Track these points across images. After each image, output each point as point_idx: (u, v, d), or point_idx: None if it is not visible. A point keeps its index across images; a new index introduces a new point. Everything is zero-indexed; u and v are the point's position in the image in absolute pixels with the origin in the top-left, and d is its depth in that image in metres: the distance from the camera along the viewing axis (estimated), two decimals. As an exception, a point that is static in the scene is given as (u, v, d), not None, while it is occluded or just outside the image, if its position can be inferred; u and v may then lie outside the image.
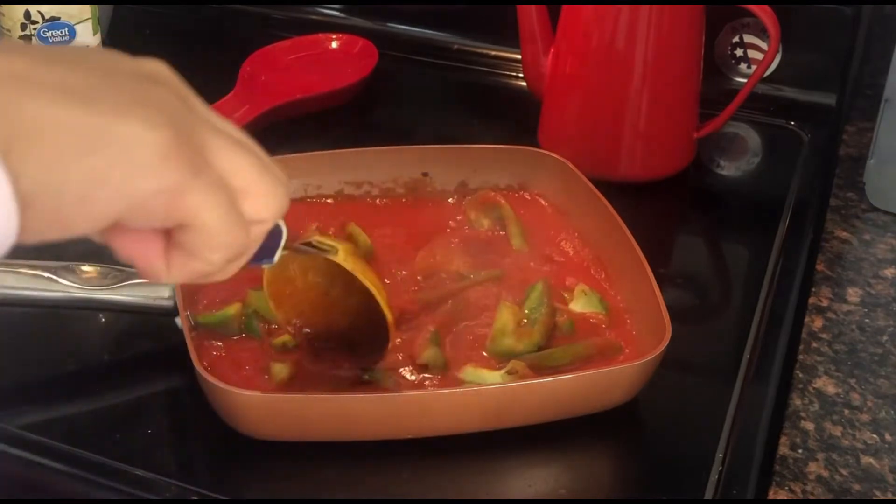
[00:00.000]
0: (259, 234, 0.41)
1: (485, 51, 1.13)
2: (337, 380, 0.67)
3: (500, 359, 0.69)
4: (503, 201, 0.83)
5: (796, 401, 0.67)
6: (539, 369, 0.68)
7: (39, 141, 0.32)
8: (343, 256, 0.63)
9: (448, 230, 0.82)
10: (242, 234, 0.39)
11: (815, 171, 0.96)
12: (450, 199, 0.86)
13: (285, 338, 0.69)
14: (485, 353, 0.70)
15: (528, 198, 0.86)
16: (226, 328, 0.70)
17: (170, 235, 0.38)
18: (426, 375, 0.68)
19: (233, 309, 0.71)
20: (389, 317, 0.65)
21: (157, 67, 0.38)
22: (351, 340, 0.69)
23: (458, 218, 0.84)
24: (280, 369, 0.67)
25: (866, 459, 0.62)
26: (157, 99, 0.36)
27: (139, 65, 0.38)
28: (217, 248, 0.38)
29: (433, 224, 0.82)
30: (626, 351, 0.71)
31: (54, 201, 0.33)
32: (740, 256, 0.90)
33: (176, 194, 0.35)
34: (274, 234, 0.46)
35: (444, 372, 0.68)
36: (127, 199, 0.34)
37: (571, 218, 0.83)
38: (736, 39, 1.03)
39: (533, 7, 0.92)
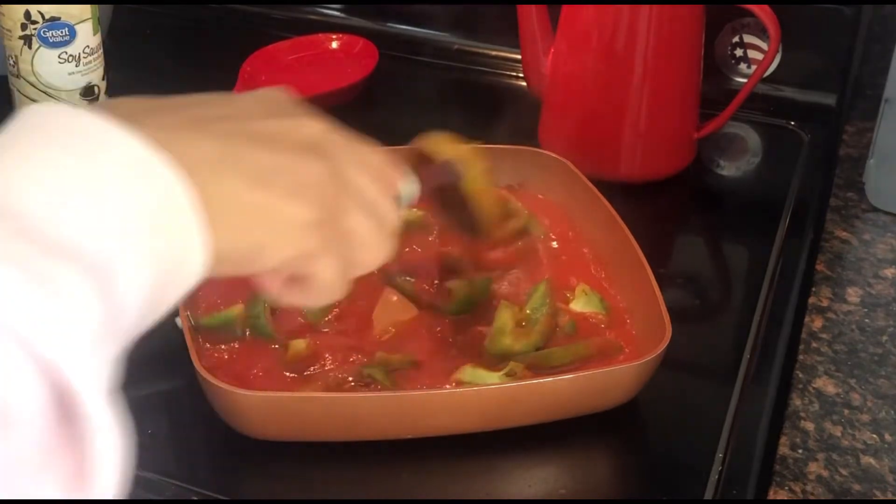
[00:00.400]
0: (359, 274, 0.51)
1: (485, 51, 1.13)
2: (337, 380, 0.67)
3: (497, 359, 0.69)
4: (510, 195, 0.83)
5: (796, 401, 0.67)
6: (538, 369, 0.68)
7: (230, 215, 0.42)
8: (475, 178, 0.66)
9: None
10: (346, 288, 0.49)
11: (815, 171, 0.96)
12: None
13: (300, 346, 0.69)
14: (480, 353, 0.70)
15: (528, 198, 0.86)
16: (229, 330, 0.70)
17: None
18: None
19: (236, 310, 0.71)
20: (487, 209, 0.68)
21: (314, 132, 0.47)
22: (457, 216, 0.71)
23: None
24: (297, 343, 0.68)
25: (866, 459, 0.63)
26: (315, 180, 0.45)
27: (301, 132, 0.46)
28: (324, 298, 0.49)
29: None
30: (627, 351, 0.71)
31: (228, 259, 0.42)
32: (740, 256, 0.90)
33: (310, 258, 0.46)
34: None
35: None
36: (277, 260, 0.45)
37: (571, 218, 0.83)
38: (736, 39, 1.03)
39: (533, 7, 0.92)
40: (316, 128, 0.48)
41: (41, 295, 0.32)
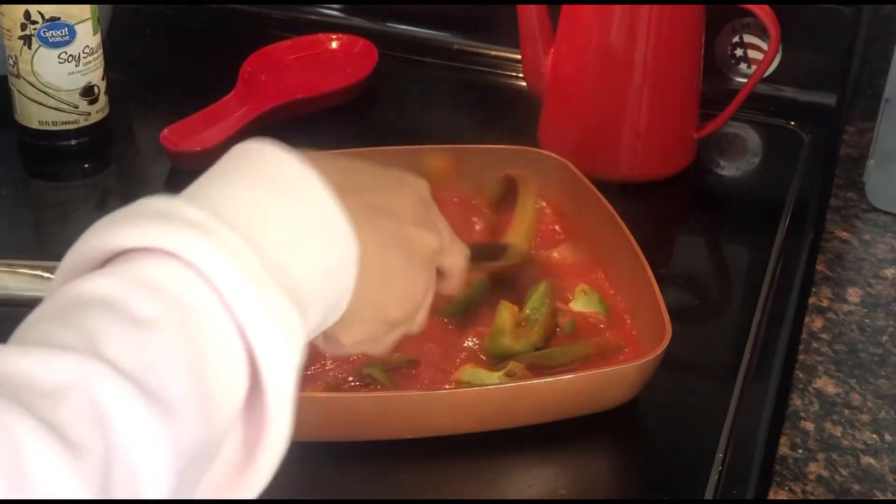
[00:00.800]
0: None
1: (485, 51, 1.13)
2: (337, 380, 0.67)
3: (497, 359, 0.69)
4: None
5: (796, 401, 0.67)
6: (538, 369, 0.68)
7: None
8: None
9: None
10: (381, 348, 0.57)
11: (815, 171, 0.96)
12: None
13: None
14: (480, 353, 0.70)
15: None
16: None
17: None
18: None
19: None
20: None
21: (430, 247, 0.54)
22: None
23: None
24: None
25: (866, 459, 0.62)
26: (415, 287, 0.54)
27: (426, 245, 0.54)
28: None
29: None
30: (626, 351, 0.71)
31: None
32: (740, 256, 0.90)
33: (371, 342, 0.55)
34: None
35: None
36: (350, 339, 0.53)
37: (571, 218, 0.83)
38: (736, 39, 1.03)
39: (533, 7, 0.92)
40: (432, 242, 0.54)
41: (270, 321, 0.40)
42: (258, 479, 0.43)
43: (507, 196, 0.80)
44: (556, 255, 0.80)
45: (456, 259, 0.58)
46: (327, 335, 0.51)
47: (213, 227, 0.40)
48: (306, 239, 0.44)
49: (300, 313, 0.42)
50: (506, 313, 0.71)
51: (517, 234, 0.77)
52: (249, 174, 0.45)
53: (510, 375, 0.66)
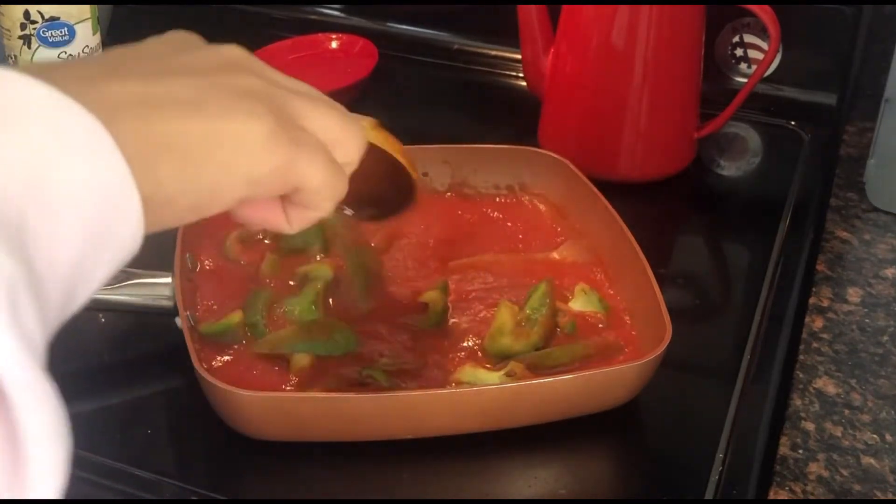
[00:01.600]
0: (350, 172, 0.48)
1: (485, 51, 1.13)
2: (337, 380, 0.67)
3: (497, 359, 0.69)
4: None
5: (796, 401, 0.67)
6: (538, 369, 0.68)
7: (171, 153, 0.38)
8: (370, 130, 0.61)
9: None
10: (343, 179, 0.46)
11: (815, 171, 0.96)
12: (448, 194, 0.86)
13: (303, 361, 0.68)
14: (480, 353, 0.70)
15: (528, 198, 0.86)
16: (229, 337, 0.70)
17: (286, 196, 0.45)
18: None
19: (235, 318, 0.70)
20: (414, 174, 0.63)
21: (233, 53, 0.44)
22: (378, 203, 0.66)
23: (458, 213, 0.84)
24: (300, 358, 0.68)
25: (867, 460, 0.62)
26: (249, 88, 0.42)
27: (220, 54, 0.44)
28: (327, 199, 0.46)
29: (432, 223, 0.82)
30: (627, 350, 0.71)
31: (190, 198, 0.39)
32: (740, 256, 0.90)
33: (287, 167, 0.42)
34: None
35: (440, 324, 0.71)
36: (248, 182, 0.41)
37: (571, 218, 0.83)
38: (736, 39, 1.03)
39: (533, 7, 0.92)
40: (235, 50, 0.45)
41: None
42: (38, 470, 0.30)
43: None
44: (555, 255, 0.80)
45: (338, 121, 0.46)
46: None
47: None
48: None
49: (3, 236, 0.31)
50: (506, 313, 0.71)
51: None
52: None
53: (510, 375, 0.66)
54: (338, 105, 0.48)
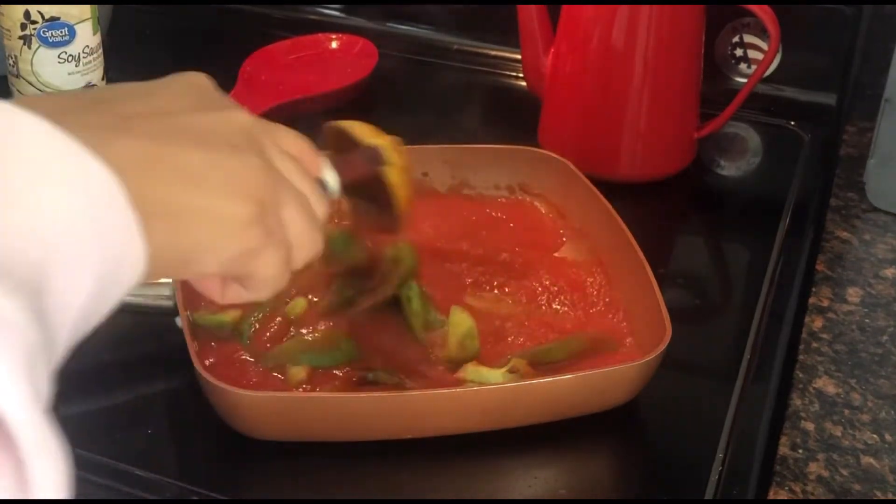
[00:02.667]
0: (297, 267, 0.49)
1: (485, 51, 1.13)
2: (339, 380, 0.67)
3: (455, 366, 0.68)
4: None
5: (796, 401, 0.67)
6: (537, 366, 0.68)
7: (165, 216, 0.39)
8: (389, 150, 0.63)
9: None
10: (287, 279, 0.47)
11: (815, 171, 0.96)
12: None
13: (300, 374, 0.68)
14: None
15: (528, 198, 0.86)
16: (224, 332, 0.70)
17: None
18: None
19: (227, 317, 0.70)
20: (399, 209, 0.64)
21: (243, 122, 0.45)
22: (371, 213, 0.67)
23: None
24: (297, 371, 0.67)
25: (866, 459, 0.62)
26: (248, 170, 0.43)
27: (230, 123, 0.44)
28: (268, 291, 0.47)
29: (432, 223, 0.82)
30: (628, 341, 0.71)
31: (165, 264, 0.40)
32: (740, 256, 0.90)
33: (252, 255, 0.44)
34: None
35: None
36: (219, 260, 0.43)
37: (571, 218, 0.83)
38: (736, 39, 1.03)
39: (533, 7, 0.92)
40: (243, 118, 0.46)
41: None
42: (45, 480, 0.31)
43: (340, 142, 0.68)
44: (556, 255, 0.80)
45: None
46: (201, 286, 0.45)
47: None
48: (13, 197, 0.33)
49: (24, 294, 0.32)
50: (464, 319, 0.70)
51: (372, 134, 0.64)
52: None
53: (513, 372, 0.66)
54: (314, 194, 0.49)
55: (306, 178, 0.48)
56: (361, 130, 0.64)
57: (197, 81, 0.47)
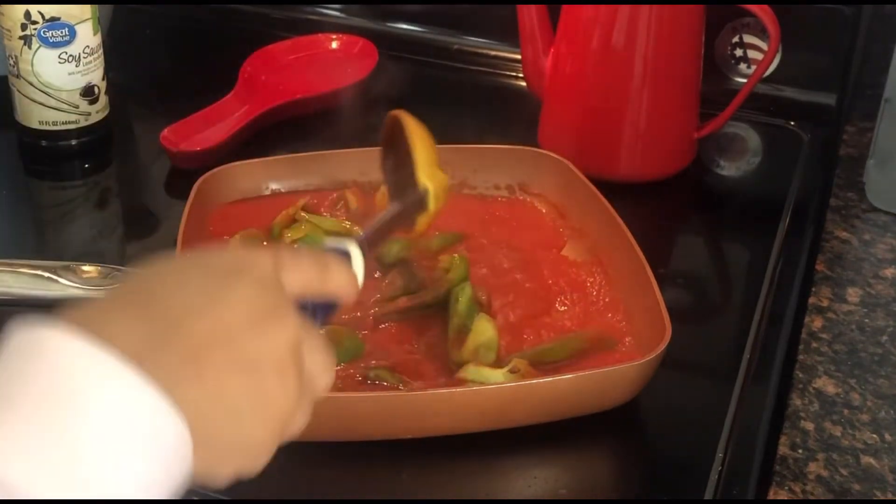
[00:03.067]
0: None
1: (485, 51, 1.13)
2: (341, 380, 0.67)
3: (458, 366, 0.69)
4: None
5: (796, 401, 0.67)
6: (538, 365, 0.68)
7: (221, 402, 0.42)
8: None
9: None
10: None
11: (814, 171, 0.96)
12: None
13: None
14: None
15: (528, 198, 0.86)
16: None
17: None
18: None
19: None
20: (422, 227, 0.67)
21: (290, 340, 0.45)
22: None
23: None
24: None
25: (866, 459, 0.63)
26: (286, 347, 0.44)
27: (281, 341, 0.44)
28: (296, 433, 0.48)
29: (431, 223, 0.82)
30: (627, 341, 0.71)
31: (236, 453, 0.45)
32: (740, 256, 0.90)
33: (289, 421, 0.46)
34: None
35: None
36: (237, 476, 0.46)
37: (571, 218, 0.83)
38: (736, 39, 1.03)
39: (533, 7, 0.92)
40: (291, 329, 0.45)
41: None
42: None
43: (394, 136, 0.71)
44: (556, 255, 0.80)
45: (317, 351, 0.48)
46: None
47: None
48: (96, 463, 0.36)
49: None
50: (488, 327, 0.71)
51: (423, 171, 0.67)
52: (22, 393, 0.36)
53: (514, 372, 0.66)
54: (326, 347, 0.48)
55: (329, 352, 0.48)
56: (421, 154, 0.67)
57: (260, 276, 0.45)
